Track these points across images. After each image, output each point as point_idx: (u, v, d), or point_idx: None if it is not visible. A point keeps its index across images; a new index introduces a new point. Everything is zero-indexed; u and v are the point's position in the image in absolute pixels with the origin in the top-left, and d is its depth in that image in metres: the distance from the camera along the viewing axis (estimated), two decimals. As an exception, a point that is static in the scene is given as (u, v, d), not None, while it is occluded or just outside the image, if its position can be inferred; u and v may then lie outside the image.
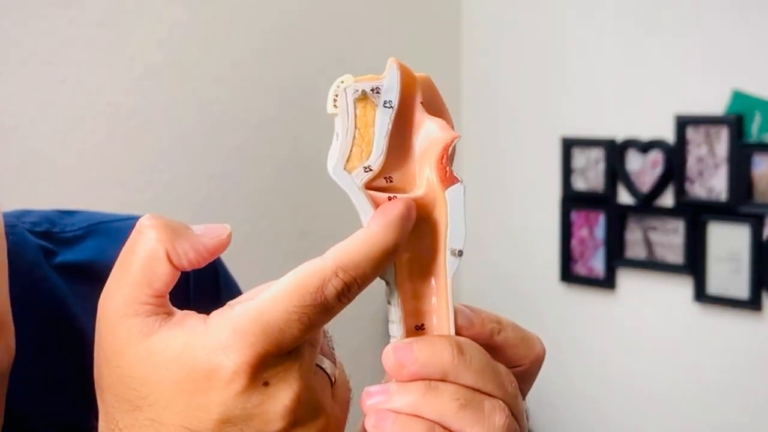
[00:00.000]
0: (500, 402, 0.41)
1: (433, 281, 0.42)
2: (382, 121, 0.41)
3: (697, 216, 1.67)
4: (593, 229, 1.85)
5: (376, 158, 0.41)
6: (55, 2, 1.43)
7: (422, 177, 0.42)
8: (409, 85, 0.42)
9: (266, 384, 0.38)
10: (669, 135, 1.71)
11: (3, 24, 1.38)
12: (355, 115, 0.42)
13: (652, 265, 1.76)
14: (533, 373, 0.45)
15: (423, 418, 0.40)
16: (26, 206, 0.62)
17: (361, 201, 0.41)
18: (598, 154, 1.82)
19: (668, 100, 1.70)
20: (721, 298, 1.65)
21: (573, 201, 1.87)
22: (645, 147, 1.74)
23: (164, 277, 0.41)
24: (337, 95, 0.42)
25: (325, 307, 0.38)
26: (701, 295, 1.68)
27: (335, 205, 1.78)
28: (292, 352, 0.39)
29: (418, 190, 0.41)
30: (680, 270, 1.71)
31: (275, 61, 1.73)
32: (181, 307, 0.41)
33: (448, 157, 0.41)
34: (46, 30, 1.42)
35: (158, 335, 0.39)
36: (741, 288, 1.62)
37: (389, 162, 0.41)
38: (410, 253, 0.42)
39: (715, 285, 1.66)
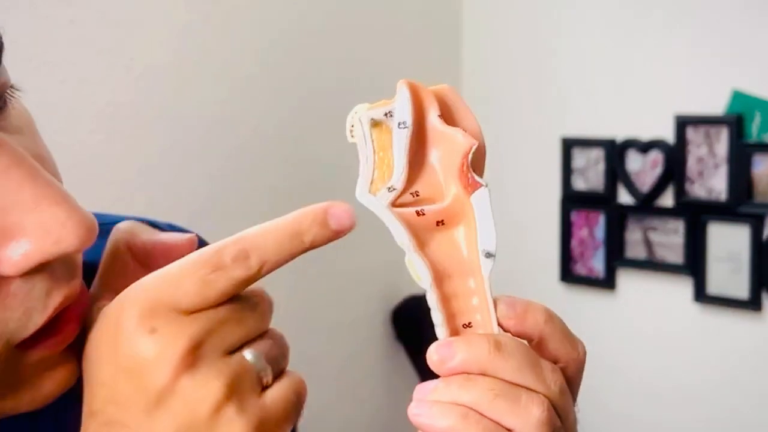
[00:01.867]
0: (540, 396, 0.43)
1: (471, 282, 0.44)
2: (399, 141, 0.43)
3: (697, 216, 1.67)
4: (593, 229, 1.85)
5: (397, 177, 0.43)
6: (55, 2, 1.43)
7: (448, 186, 0.44)
8: (421, 103, 0.44)
9: (153, 330, 0.39)
10: (669, 135, 1.71)
11: (3, 24, 1.38)
12: (373, 141, 0.44)
13: (652, 265, 1.76)
14: (574, 375, 0.46)
15: (460, 405, 0.42)
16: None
17: (389, 219, 0.43)
18: (598, 154, 1.82)
19: (668, 100, 1.70)
20: (721, 298, 1.65)
21: (573, 201, 1.87)
22: (645, 147, 1.74)
23: (119, 272, 0.47)
24: (353, 125, 0.44)
25: (218, 266, 0.40)
26: (701, 295, 1.68)
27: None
28: (193, 316, 0.39)
29: (446, 200, 0.43)
30: (680, 270, 1.71)
31: (275, 61, 1.73)
32: None
33: (468, 164, 0.43)
34: (46, 30, 1.42)
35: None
36: (741, 288, 1.62)
37: (413, 178, 0.43)
38: (446, 259, 0.44)
39: (715, 285, 1.66)
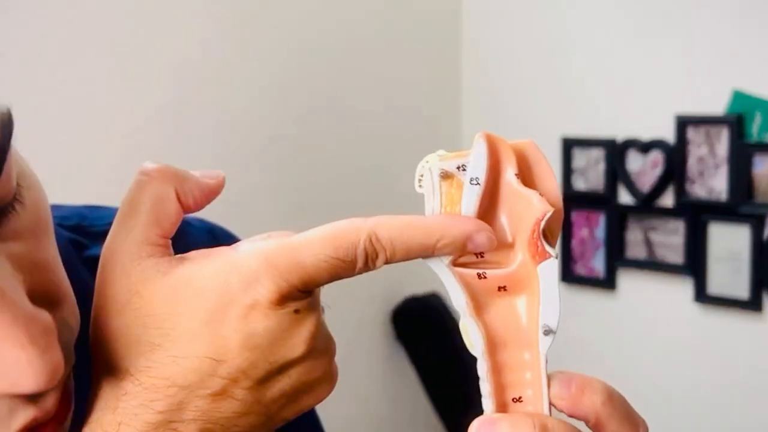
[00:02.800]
0: None
1: (527, 355, 0.42)
2: (469, 198, 0.41)
3: (697, 216, 1.67)
4: (593, 229, 1.85)
5: None
6: (55, 2, 1.43)
7: (515, 251, 0.41)
8: (498, 159, 0.42)
9: (297, 311, 0.40)
10: (669, 135, 1.71)
11: (3, 24, 1.38)
12: (441, 194, 0.41)
13: (652, 265, 1.76)
14: None
15: None
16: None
17: (448, 279, 0.41)
18: (598, 154, 1.82)
19: (668, 100, 1.70)
20: (721, 299, 1.65)
21: (573, 201, 1.87)
22: (645, 147, 1.74)
23: (172, 217, 0.43)
24: (422, 175, 0.42)
25: (351, 264, 0.40)
26: (701, 295, 1.68)
27: (337, 207, 1.78)
28: (312, 291, 0.41)
29: (512, 265, 0.41)
30: (680, 270, 1.71)
31: (275, 60, 1.73)
32: None
33: (540, 231, 0.40)
34: (46, 30, 1.42)
35: (181, 269, 0.41)
36: (741, 288, 1.62)
37: None
38: (503, 327, 0.42)
39: (715, 285, 1.66)
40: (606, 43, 1.80)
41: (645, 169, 1.75)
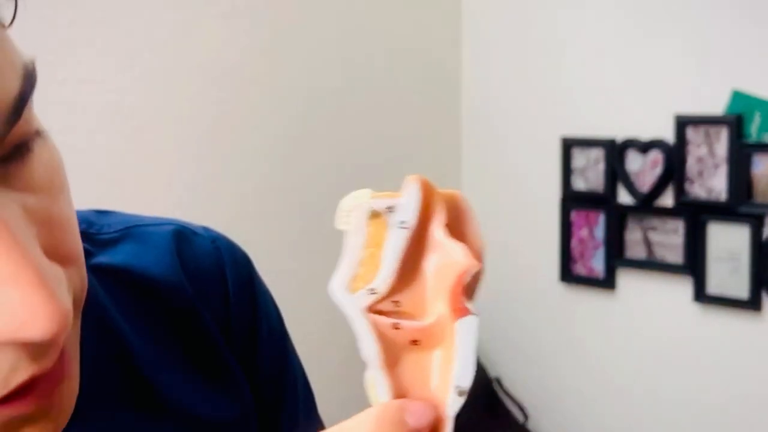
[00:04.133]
0: None
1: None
2: (395, 242, 0.38)
3: (696, 216, 1.67)
4: (593, 229, 1.85)
5: (383, 281, 0.38)
6: (55, 2, 1.43)
7: (434, 304, 0.38)
8: (429, 206, 0.39)
9: None
10: (669, 135, 1.71)
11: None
12: (366, 234, 0.39)
13: (652, 265, 1.76)
14: None
15: None
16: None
17: (361, 326, 0.38)
18: (598, 154, 1.82)
19: (668, 100, 1.70)
20: (720, 298, 1.65)
21: (573, 201, 1.87)
22: (645, 147, 1.74)
23: None
24: (348, 211, 0.39)
25: None
26: (701, 295, 1.68)
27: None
28: None
29: (428, 318, 0.38)
30: (680, 270, 1.71)
31: (276, 60, 1.73)
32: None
33: (462, 286, 0.38)
34: (46, 30, 1.42)
35: None
36: (741, 288, 1.62)
37: (399, 285, 0.38)
38: (412, 383, 0.39)
39: (714, 285, 1.66)
40: (606, 43, 1.80)
41: (644, 169, 1.75)
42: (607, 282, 1.83)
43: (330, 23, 1.82)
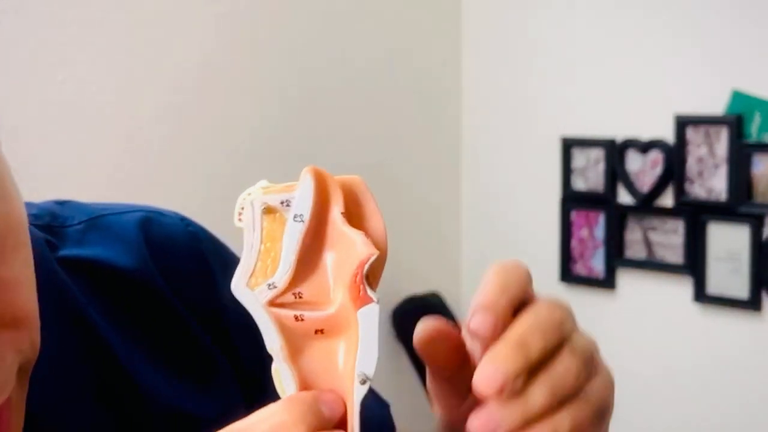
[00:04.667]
0: None
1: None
2: (292, 235, 0.38)
3: (696, 216, 1.67)
4: (593, 229, 1.85)
5: (281, 275, 0.39)
6: (55, 2, 1.43)
7: (336, 294, 0.39)
8: (324, 196, 0.39)
9: None
10: (669, 135, 1.71)
11: (3, 24, 1.38)
12: (262, 229, 0.39)
13: (651, 265, 1.76)
14: None
15: None
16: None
17: (263, 320, 0.38)
18: (598, 154, 1.82)
19: (668, 100, 1.70)
20: (720, 298, 1.65)
21: (573, 201, 1.87)
22: (645, 147, 1.74)
23: None
24: (243, 208, 0.39)
25: None
26: (701, 295, 1.68)
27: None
28: None
29: (330, 308, 0.39)
30: (680, 270, 1.71)
31: (276, 60, 1.73)
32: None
33: (362, 275, 0.38)
34: (46, 30, 1.42)
35: None
36: (741, 288, 1.62)
37: (299, 277, 0.39)
38: (318, 373, 0.39)
39: (714, 285, 1.66)
40: (606, 43, 1.80)
41: (644, 169, 1.75)
42: (607, 282, 1.83)
43: (330, 23, 1.82)
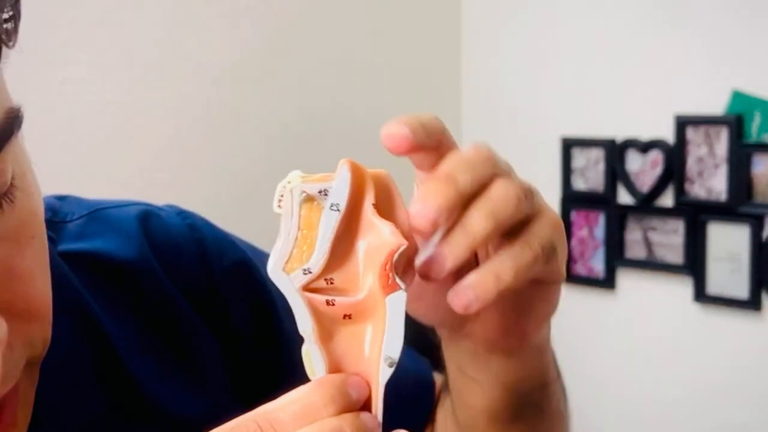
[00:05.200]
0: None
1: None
2: (327, 223, 0.40)
3: (696, 216, 1.67)
4: (593, 229, 1.85)
5: (316, 261, 0.40)
6: (55, 2, 1.43)
7: (365, 281, 0.41)
8: (360, 187, 0.42)
9: None
10: (669, 135, 1.71)
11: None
12: (300, 216, 0.41)
13: (652, 265, 1.76)
14: None
15: None
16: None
17: (297, 304, 0.40)
18: (598, 154, 1.82)
19: (668, 100, 1.70)
20: (720, 298, 1.65)
21: (573, 201, 1.87)
22: (645, 147, 1.74)
23: None
24: (282, 195, 0.41)
25: None
26: (701, 295, 1.68)
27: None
28: None
29: (360, 294, 0.41)
30: (680, 270, 1.71)
31: (276, 60, 1.73)
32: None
33: (392, 263, 0.40)
34: (46, 30, 1.42)
35: None
36: (741, 288, 1.62)
37: (332, 264, 0.41)
38: (346, 355, 0.41)
39: (714, 285, 1.66)
40: (605, 42, 1.80)
41: (644, 169, 1.75)
42: (607, 282, 1.83)
43: (330, 23, 1.82)
